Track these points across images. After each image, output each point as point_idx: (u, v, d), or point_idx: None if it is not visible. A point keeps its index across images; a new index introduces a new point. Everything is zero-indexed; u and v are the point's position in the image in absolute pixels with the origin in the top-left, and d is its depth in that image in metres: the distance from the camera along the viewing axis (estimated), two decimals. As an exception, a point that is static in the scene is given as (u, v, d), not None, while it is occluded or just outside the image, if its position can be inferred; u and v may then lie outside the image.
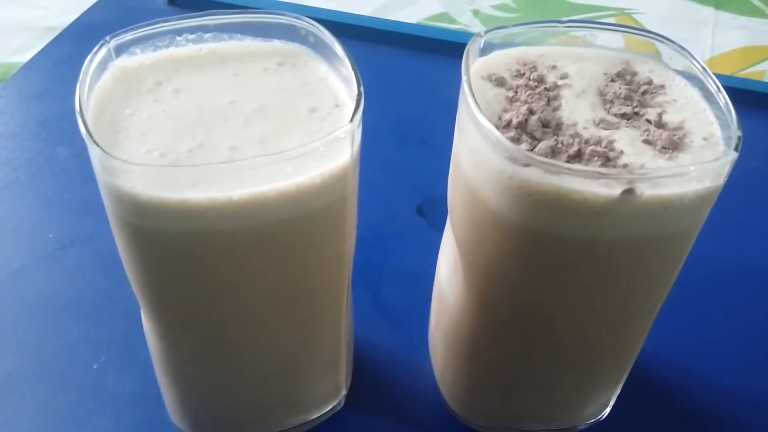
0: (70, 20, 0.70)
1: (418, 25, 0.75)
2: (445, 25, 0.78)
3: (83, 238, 0.49)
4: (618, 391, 0.39)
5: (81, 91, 0.29)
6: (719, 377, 0.43)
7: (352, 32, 0.70)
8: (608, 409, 0.40)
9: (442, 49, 0.67)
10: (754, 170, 0.58)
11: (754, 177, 0.57)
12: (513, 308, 0.33)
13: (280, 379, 0.35)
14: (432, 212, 0.53)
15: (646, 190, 0.27)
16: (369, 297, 0.47)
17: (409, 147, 0.59)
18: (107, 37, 0.31)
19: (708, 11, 0.83)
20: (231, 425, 0.37)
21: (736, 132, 0.28)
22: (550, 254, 0.30)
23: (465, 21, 0.79)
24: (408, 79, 0.66)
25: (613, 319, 0.33)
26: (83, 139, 0.26)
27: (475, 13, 0.80)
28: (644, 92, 0.32)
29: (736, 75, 0.74)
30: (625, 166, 0.28)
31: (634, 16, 0.81)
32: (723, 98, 0.30)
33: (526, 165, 0.27)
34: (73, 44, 0.67)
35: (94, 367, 0.42)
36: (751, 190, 0.56)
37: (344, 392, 0.40)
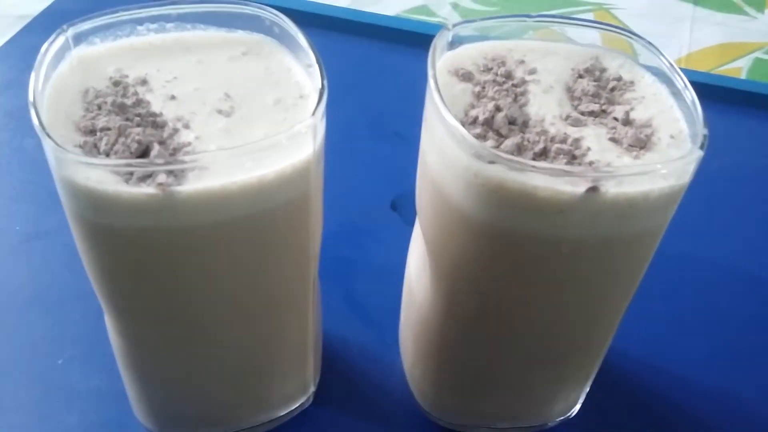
0: (44, 7, 0.69)
1: (395, 18, 0.74)
2: (424, 17, 0.78)
3: (50, 231, 0.48)
4: (587, 389, 0.39)
5: (36, 81, 0.28)
6: (688, 375, 0.43)
7: (328, 24, 0.69)
8: (577, 407, 0.40)
9: (419, 42, 0.65)
10: (729, 167, 0.58)
11: (729, 174, 0.57)
12: (480, 306, 0.33)
13: (244, 376, 0.35)
14: (406, 207, 0.53)
15: (611, 188, 0.27)
16: (340, 292, 0.47)
17: (384, 141, 0.58)
18: (64, 26, 0.30)
19: (687, 7, 0.83)
20: (196, 423, 0.37)
21: (702, 130, 0.28)
22: (516, 252, 0.29)
23: (444, 14, 0.79)
24: (384, 73, 0.65)
25: (580, 317, 0.33)
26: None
27: (455, 6, 0.80)
28: (612, 89, 0.32)
29: (713, 71, 0.74)
30: (590, 164, 0.28)
31: (612, 11, 0.81)
32: (690, 95, 0.30)
33: (491, 162, 0.27)
34: (44, 32, 0.65)
35: (59, 362, 0.41)
36: (725, 187, 0.56)
37: (312, 389, 0.39)
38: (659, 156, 0.29)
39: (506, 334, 0.34)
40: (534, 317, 0.32)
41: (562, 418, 0.40)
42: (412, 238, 0.39)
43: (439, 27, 0.75)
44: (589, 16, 0.80)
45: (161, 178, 0.25)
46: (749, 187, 0.57)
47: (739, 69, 0.82)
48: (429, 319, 0.36)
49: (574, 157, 0.28)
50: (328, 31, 0.68)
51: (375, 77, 0.65)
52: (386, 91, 0.63)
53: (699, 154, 0.27)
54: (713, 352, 0.45)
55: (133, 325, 0.31)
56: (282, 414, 0.38)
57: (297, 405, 0.39)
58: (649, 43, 0.32)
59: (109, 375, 0.40)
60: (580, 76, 0.32)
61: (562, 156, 0.28)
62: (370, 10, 0.75)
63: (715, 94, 0.62)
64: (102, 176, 0.25)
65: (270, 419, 0.38)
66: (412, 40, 0.67)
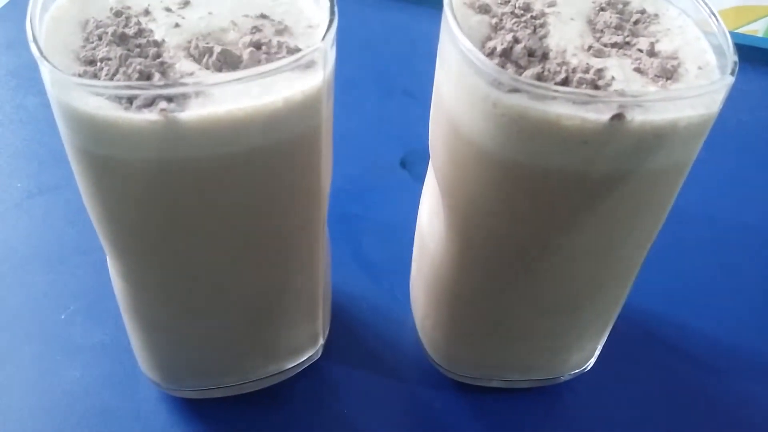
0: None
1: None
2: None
3: (51, 187, 0.47)
4: (603, 341, 0.38)
5: (33, 10, 0.27)
6: (705, 330, 0.42)
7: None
8: (593, 360, 0.39)
9: (427, 1, 0.65)
10: (744, 125, 0.57)
11: (744, 132, 0.56)
12: (495, 250, 0.32)
13: (252, 325, 0.34)
14: (415, 164, 0.52)
15: (637, 116, 0.25)
16: (349, 249, 0.46)
17: (392, 98, 0.57)
18: (64, -43, 0.29)
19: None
20: (202, 374, 0.36)
21: (732, 57, 0.27)
22: (536, 188, 0.28)
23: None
24: (392, 30, 0.64)
25: (601, 260, 0.31)
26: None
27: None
28: (636, 21, 0.30)
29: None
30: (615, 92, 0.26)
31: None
32: (718, 24, 0.28)
33: (512, 90, 0.26)
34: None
35: (62, 317, 0.41)
36: (739, 145, 0.55)
37: (321, 341, 0.38)
38: (687, 86, 0.27)
39: (522, 280, 0.32)
40: (553, 260, 0.31)
41: (577, 371, 0.39)
42: (424, 190, 0.38)
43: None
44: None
45: (162, 104, 0.24)
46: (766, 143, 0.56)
47: (755, 31, 0.80)
48: (442, 267, 0.35)
49: (597, 87, 0.27)
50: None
51: (382, 35, 0.64)
52: (395, 48, 0.62)
53: (730, 80, 0.26)
54: (731, 308, 0.44)
55: (136, 267, 0.30)
56: (291, 366, 0.37)
57: (306, 357, 0.38)
58: (675, -26, 0.31)
59: (112, 329, 0.40)
60: (602, 9, 0.31)
61: (585, 86, 0.26)
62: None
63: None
64: (101, 102, 0.24)
65: (279, 371, 0.37)
66: (423, -2, 0.66)
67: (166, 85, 0.24)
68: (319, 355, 0.39)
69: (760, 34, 0.81)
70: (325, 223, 0.33)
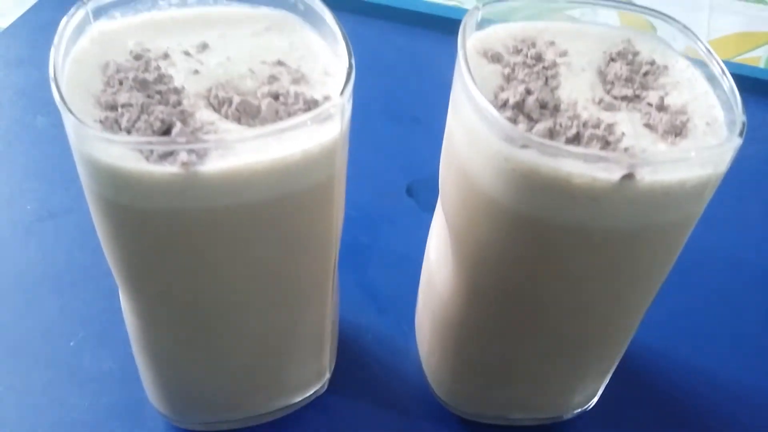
0: (53, -15, 0.68)
1: (414, 0, 0.73)
2: (439, 0, 0.76)
3: (62, 210, 0.48)
4: (606, 381, 0.38)
5: (56, 55, 0.27)
6: (708, 370, 0.43)
7: (343, 4, 0.68)
8: (595, 399, 0.39)
9: (435, 25, 0.65)
10: (749, 158, 0.57)
11: (748, 164, 0.56)
12: (503, 294, 0.32)
13: (261, 362, 0.34)
14: (422, 193, 0.52)
15: (647, 176, 0.26)
16: (355, 278, 0.46)
17: (400, 125, 0.58)
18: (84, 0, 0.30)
19: (705, -5, 0.82)
20: (211, 408, 0.36)
21: (740, 117, 0.27)
22: (544, 240, 0.28)
23: (460, -4, 0.78)
24: (400, 55, 0.64)
25: (604, 309, 0.32)
26: (62, 108, 0.25)
27: (471, -11, 0.79)
28: (646, 73, 0.31)
29: (731, 60, 0.73)
30: (625, 150, 0.27)
31: (632, -2, 0.80)
32: (728, 81, 0.29)
33: (524, 146, 0.26)
34: (54, 10, 0.64)
35: (71, 344, 0.41)
36: (745, 178, 0.55)
37: (328, 376, 0.39)
38: (695, 143, 0.28)
39: (528, 325, 0.33)
40: (558, 308, 0.31)
41: (579, 410, 0.39)
42: (432, 225, 0.38)
43: (454, 9, 0.74)
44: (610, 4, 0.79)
45: (183, 156, 0.24)
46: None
47: (758, 58, 0.80)
48: (449, 304, 0.35)
49: (607, 143, 0.27)
50: (341, 11, 0.67)
51: (390, 60, 0.64)
52: (402, 73, 0.63)
53: (738, 141, 0.26)
54: (735, 348, 0.44)
55: (150, 306, 0.31)
56: (297, 400, 0.38)
57: (312, 392, 0.38)
58: (685, 27, 0.31)
59: (121, 357, 0.40)
60: (612, 60, 0.31)
61: (595, 141, 0.27)
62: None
63: (735, 83, 0.61)
64: (123, 153, 0.25)
65: (285, 405, 0.37)
66: (428, 22, 0.66)
67: (188, 141, 0.24)
68: (324, 389, 0.39)
69: (762, 61, 0.81)
70: (336, 263, 0.34)
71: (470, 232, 0.31)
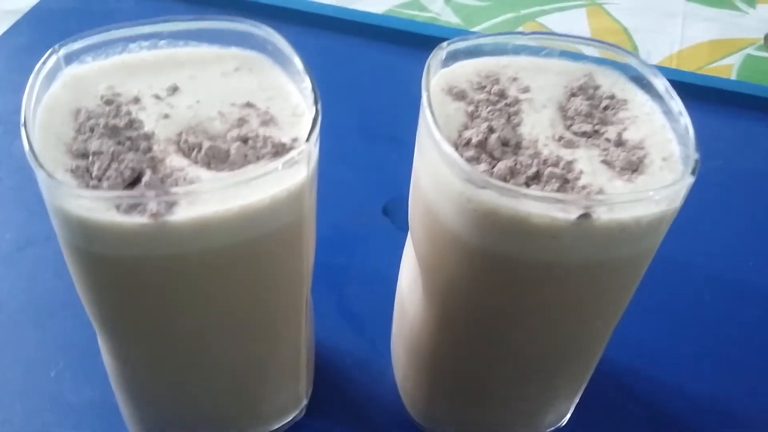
0: (32, 4, 0.68)
1: (386, 16, 0.73)
2: (416, 13, 0.77)
3: (41, 239, 0.48)
4: (577, 400, 0.39)
5: (27, 103, 0.28)
6: (678, 383, 0.44)
7: (318, 22, 0.68)
8: (568, 416, 0.40)
9: (411, 41, 0.66)
10: (718, 170, 0.58)
11: (718, 177, 0.57)
12: (472, 323, 0.33)
13: (237, 393, 0.35)
14: (398, 212, 0.53)
15: (603, 214, 0.27)
16: (332, 299, 0.47)
17: (376, 143, 0.58)
18: (56, 46, 0.30)
19: (678, 2, 0.83)
20: (189, 437, 0.37)
21: (693, 155, 0.28)
22: (509, 274, 0.29)
23: (436, 9, 0.78)
24: (376, 72, 0.65)
25: (570, 335, 0.33)
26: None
27: (447, 1, 0.79)
28: (606, 107, 0.32)
29: (703, 68, 0.74)
30: (583, 188, 0.28)
31: (605, 6, 0.81)
32: (684, 121, 0.30)
33: (483, 187, 0.27)
34: (33, 32, 0.65)
35: (52, 374, 0.41)
36: (713, 191, 0.56)
37: (305, 402, 0.39)
38: (651, 179, 0.29)
39: (498, 350, 0.34)
40: (526, 335, 0.32)
41: (552, 429, 0.40)
42: (404, 251, 0.39)
43: (429, 26, 0.74)
44: (582, 11, 0.80)
45: (153, 207, 0.25)
46: (738, 190, 0.57)
47: (730, 66, 0.81)
48: (421, 333, 0.36)
49: (566, 181, 0.28)
50: (316, 29, 0.68)
51: (366, 77, 0.64)
52: (378, 91, 0.63)
53: (690, 180, 0.27)
54: (705, 360, 0.45)
55: (125, 347, 0.31)
56: (276, 427, 0.38)
57: (290, 418, 0.39)
58: (645, 63, 0.32)
59: (102, 386, 0.40)
60: (573, 95, 0.32)
61: (554, 180, 0.28)
62: (360, 5, 0.74)
63: (705, 95, 0.62)
64: (93, 205, 0.25)
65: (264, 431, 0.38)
66: (403, 38, 0.66)
67: (157, 195, 0.25)
68: (302, 415, 0.40)
69: (735, 69, 0.82)
70: (309, 295, 0.35)
71: (438, 265, 0.32)
